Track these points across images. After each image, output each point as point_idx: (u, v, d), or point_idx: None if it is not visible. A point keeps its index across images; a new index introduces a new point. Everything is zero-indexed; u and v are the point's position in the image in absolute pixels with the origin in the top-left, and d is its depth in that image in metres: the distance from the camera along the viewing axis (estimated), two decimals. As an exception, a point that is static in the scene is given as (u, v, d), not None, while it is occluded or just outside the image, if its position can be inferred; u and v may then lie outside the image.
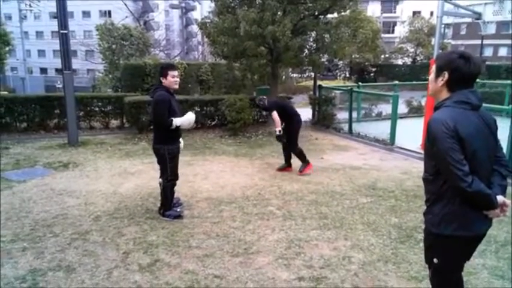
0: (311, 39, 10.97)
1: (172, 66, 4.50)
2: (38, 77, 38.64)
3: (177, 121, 4.30)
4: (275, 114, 6.42)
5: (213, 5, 10.79)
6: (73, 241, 3.96)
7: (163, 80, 4.32)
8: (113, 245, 3.89)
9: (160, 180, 4.61)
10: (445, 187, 2.07)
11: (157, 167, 7.06)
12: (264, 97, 7.18)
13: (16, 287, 3.13)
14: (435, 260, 2.22)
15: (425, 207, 2.28)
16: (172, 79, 4.34)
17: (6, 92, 18.34)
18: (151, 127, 5.27)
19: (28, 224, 4.38)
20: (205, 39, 18.24)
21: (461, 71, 2.03)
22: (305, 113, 12.32)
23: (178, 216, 4.60)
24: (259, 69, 10.79)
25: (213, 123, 10.84)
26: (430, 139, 2.05)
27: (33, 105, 10.05)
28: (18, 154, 7.81)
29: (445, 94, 2.11)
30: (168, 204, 4.61)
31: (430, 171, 2.16)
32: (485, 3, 9.18)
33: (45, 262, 3.53)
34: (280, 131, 6.45)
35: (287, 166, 6.82)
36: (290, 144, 6.65)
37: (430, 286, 2.41)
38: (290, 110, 6.80)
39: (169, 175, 4.49)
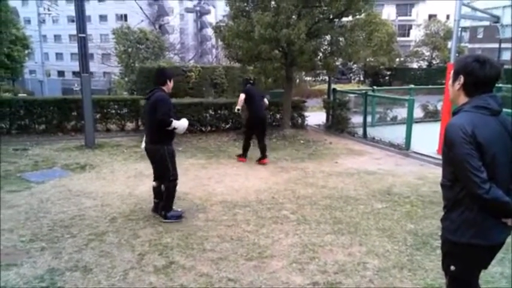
0: (325, 43, 10.93)
1: (173, 74, 4.72)
2: (56, 80, 39.36)
3: (175, 123, 4.42)
4: (241, 96, 7.41)
5: (227, 8, 10.87)
6: (90, 242, 4.03)
7: (165, 86, 4.51)
8: (128, 247, 3.94)
9: (155, 183, 4.69)
10: (462, 193, 2.02)
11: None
12: (251, 81, 8.22)
13: (35, 286, 3.19)
14: (452, 268, 2.18)
15: (442, 214, 2.24)
16: (171, 85, 4.58)
17: (25, 95, 18.78)
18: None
19: (46, 224, 4.47)
20: (220, 43, 18.35)
21: (476, 75, 2.00)
22: (319, 117, 12.34)
23: (180, 216, 4.65)
24: (274, 72, 10.79)
25: (227, 126, 10.89)
26: (448, 144, 2.01)
27: (52, 108, 10.25)
28: (37, 155, 7.98)
29: (463, 99, 2.08)
30: (170, 206, 4.64)
31: (447, 177, 2.11)
32: (504, 7, 9.03)
33: (62, 262, 3.59)
34: (238, 110, 7.62)
35: (243, 155, 7.82)
36: (245, 133, 7.90)
37: None
38: (254, 106, 7.49)
39: (171, 175, 4.55)
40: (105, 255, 3.74)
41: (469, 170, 1.91)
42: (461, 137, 1.92)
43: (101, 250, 3.85)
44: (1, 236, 4.11)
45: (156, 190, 4.76)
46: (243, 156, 7.84)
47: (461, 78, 2.05)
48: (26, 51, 25.33)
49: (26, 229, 4.32)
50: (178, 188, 5.85)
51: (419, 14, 44.41)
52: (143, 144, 4.69)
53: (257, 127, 7.67)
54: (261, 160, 7.64)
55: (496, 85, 2.27)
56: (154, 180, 4.79)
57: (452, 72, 2.14)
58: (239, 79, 15.21)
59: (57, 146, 8.89)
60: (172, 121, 4.37)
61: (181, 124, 4.49)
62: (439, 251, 3.35)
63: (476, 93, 2.03)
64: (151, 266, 3.55)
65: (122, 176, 6.57)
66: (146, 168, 7.01)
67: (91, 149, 8.57)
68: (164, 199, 4.60)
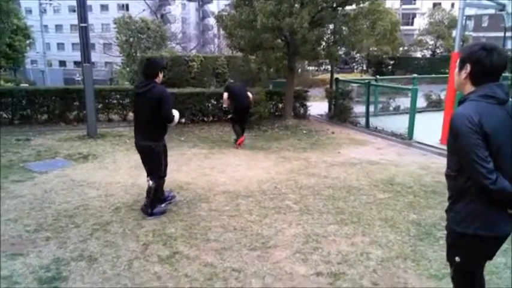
0: (329, 32, 10.83)
1: (164, 64, 4.50)
2: (57, 70, 39.31)
3: (176, 117, 4.28)
4: (225, 95, 8.17)
5: (230, -3, 10.76)
6: (94, 232, 4.05)
7: (157, 78, 4.24)
8: (133, 237, 3.96)
9: (151, 181, 4.41)
10: (468, 184, 1.99)
11: (175, 158, 7.14)
12: (231, 81, 9.10)
13: (41, 275, 3.22)
14: (457, 259, 2.17)
15: (445, 204, 2.23)
16: (162, 76, 4.34)
17: (26, 85, 18.77)
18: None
19: (51, 214, 4.50)
20: (222, 32, 18.23)
21: (483, 63, 1.96)
22: (321, 107, 12.29)
23: (165, 211, 4.54)
24: (276, 62, 10.73)
25: (229, 116, 10.85)
26: (453, 134, 1.98)
27: (54, 98, 10.24)
28: (40, 145, 7.99)
29: (469, 87, 2.04)
30: (156, 203, 4.50)
31: (452, 167, 2.08)
32: (510, -6, 8.89)
33: (68, 252, 3.62)
34: (225, 107, 8.56)
35: (240, 137, 8.27)
36: (232, 120, 8.56)
37: (451, 285, 2.37)
38: (239, 99, 8.15)
39: (162, 172, 4.43)
40: (109, 245, 3.76)
41: (475, 160, 1.88)
42: (467, 127, 1.89)
43: (106, 240, 3.87)
44: (6, 226, 4.13)
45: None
46: (238, 138, 8.26)
47: (468, 67, 2.01)
48: (28, 41, 25.24)
49: (31, 219, 4.35)
50: (181, 177, 5.92)
51: (423, 2, 43.90)
52: None
53: (243, 115, 8.37)
54: (238, 140, 8.29)
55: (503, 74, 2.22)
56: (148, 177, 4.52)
57: (458, 60, 2.10)
58: (241, 68, 15.15)
59: (60, 136, 8.90)
60: (174, 116, 4.26)
61: (177, 117, 4.35)
62: (442, 242, 3.37)
63: (483, 82, 1.99)
64: (155, 256, 3.57)
65: (125, 165, 6.58)
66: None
67: (93, 139, 8.57)
68: (152, 197, 4.42)
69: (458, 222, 2.09)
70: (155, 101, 4.13)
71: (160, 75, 4.31)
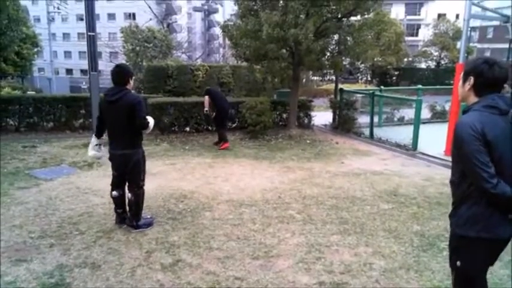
0: (333, 42, 10.91)
1: (133, 72, 4.37)
2: (64, 78, 39.67)
3: (151, 122, 4.11)
4: (206, 98, 8.86)
5: (235, 7, 10.89)
6: (98, 239, 4.07)
7: (129, 85, 4.14)
8: (136, 244, 3.98)
9: (115, 192, 4.30)
10: (470, 189, 2.10)
11: (179, 167, 7.20)
12: (208, 87, 9.58)
13: (44, 281, 3.24)
14: (458, 263, 2.23)
15: (448, 215, 2.30)
16: (132, 83, 4.23)
17: (33, 92, 18.95)
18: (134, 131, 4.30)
19: (55, 221, 4.53)
20: (227, 42, 18.39)
21: (486, 76, 2.09)
22: (326, 117, 12.32)
23: (151, 223, 4.44)
24: (280, 72, 10.79)
25: (234, 125, 10.91)
26: (457, 141, 2.08)
27: (60, 106, 10.36)
28: (45, 153, 8.06)
29: (473, 98, 2.17)
30: (140, 214, 4.37)
31: (456, 174, 2.19)
32: (514, 6, 8.95)
33: (71, 259, 3.64)
34: (206, 111, 8.91)
35: (224, 142, 8.87)
36: (217, 125, 9.19)
37: None
38: (219, 101, 8.92)
39: (142, 180, 4.32)
40: (113, 253, 3.78)
41: (477, 165, 1.98)
42: (470, 134, 2.00)
43: (109, 247, 3.89)
44: (11, 232, 4.17)
45: (119, 200, 4.37)
46: (225, 142, 8.88)
47: (471, 79, 2.14)
48: (35, 49, 25.61)
49: (36, 225, 4.38)
50: (185, 186, 5.94)
51: (428, 13, 44.10)
52: (92, 152, 4.40)
53: (225, 117, 9.13)
54: (223, 145, 8.86)
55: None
56: (114, 190, 4.34)
57: (462, 74, 2.23)
58: (246, 78, 15.24)
59: (65, 144, 8.97)
60: (149, 123, 4.09)
61: (152, 123, 4.18)
62: (446, 253, 3.35)
63: (486, 93, 2.11)
64: (158, 264, 3.58)
65: (130, 174, 6.61)
66: (153, 166, 7.07)
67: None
68: (135, 208, 4.29)
69: (461, 225, 2.17)
70: (129, 108, 3.97)
71: (131, 82, 4.17)
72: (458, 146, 2.09)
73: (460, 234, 2.18)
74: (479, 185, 2.01)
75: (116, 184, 4.35)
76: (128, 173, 4.23)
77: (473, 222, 2.11)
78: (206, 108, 8.88)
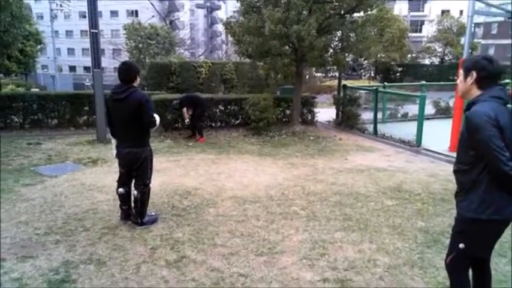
0: (336, 39, 10.88)
1: (139, 69, 4.33)
2: (67, 75, 39.84)
3: (157, 119, 4.10)
4: (184, 110, 9.24)
5: (238, 4, 10.86)
6: (103, 235, 4.09)
7: (135, 82, 4.11)
8: (141, 241, 4.00)
9: (122, 189, 4.31)
10: (483, 175, 2.23)
11: (183, 163, 7.21)
12: (176, 101, 9.44)
13: (50, 278, 3.26)
14: (461, 245, 2.38)
15: (454, 212, 2.41)
16: (139, 80, 4.19)
17: (37, 89, 19.04)
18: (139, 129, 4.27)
19: (60, 217, 4.55)
20: (230, 39, 18.36)
21: (488, 70, 2.29)
22: (329, 113, 12.30)
23: (156, 219, 4.46)
24: (283, 68, 10.78)
25: (237, 122, 10.92)
26: (472, 129, 2.20)
27: (64, 103, 10.41)
28: (50, 150, 8.10)
29: (475, 92, 2.33)
30: (145, 211, 4.38)
31: (466, 162, 2.31)
32: (519, 2, 8.88)
33: (77, 255, 3.66)
34: (187, 122, 9.38)
35: (193, 134, 9.46)
36: (195, 121, 9.44)
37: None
38: (197, 101, 9.41)
39: (149, 178, 4.32)
40: (118, 249, 3.80)
41: (495, 149, 2.12)
42: (486, 121, 2.14)
43: (114, 244, 3.91)
44: (17, 229, 4.20)
45: (125, 197, 4.39)
46: (200, 135, 9.36)
47: (474, 74, 2.31)
48: (39, 47, 25.66)
49: (41, 222, 4.41)
50: (189, 182, 5.96)
51: (431, 9, 43.77)
52: (115, 151, 4.33)
53: (202, 114, 9.58)
54: (201, 138, 9.34)
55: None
56: (120, 187, 4.36)
57: (462, 70, 2.40)
58: (249, 75, 15.23)
59: (70, 141, 9.02)
60: (156, 120, 4.08)
61: (158, 120, 4.17)
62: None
63: (489, 85, 2.30)
64: (163, 260, 3.60)
65: (134, 170, 6.63)
66: (156, 163, 7.06)
67: (103, 144, 8.67)
68: (140, 205, 4.30)
69: (473, 209, 2.29)
70: (137, 106, 3.96)
71: (138, 79, 4.15)
72: (473, 133, 2.19)
73: (471, 217, 2.30)
74: (497, 167, 2.12)
75: (123, 181, 4.37)
76: (136, 171, 4.25)
77: (485, 205, 2.24)
78: (187, 120, 9.34)
